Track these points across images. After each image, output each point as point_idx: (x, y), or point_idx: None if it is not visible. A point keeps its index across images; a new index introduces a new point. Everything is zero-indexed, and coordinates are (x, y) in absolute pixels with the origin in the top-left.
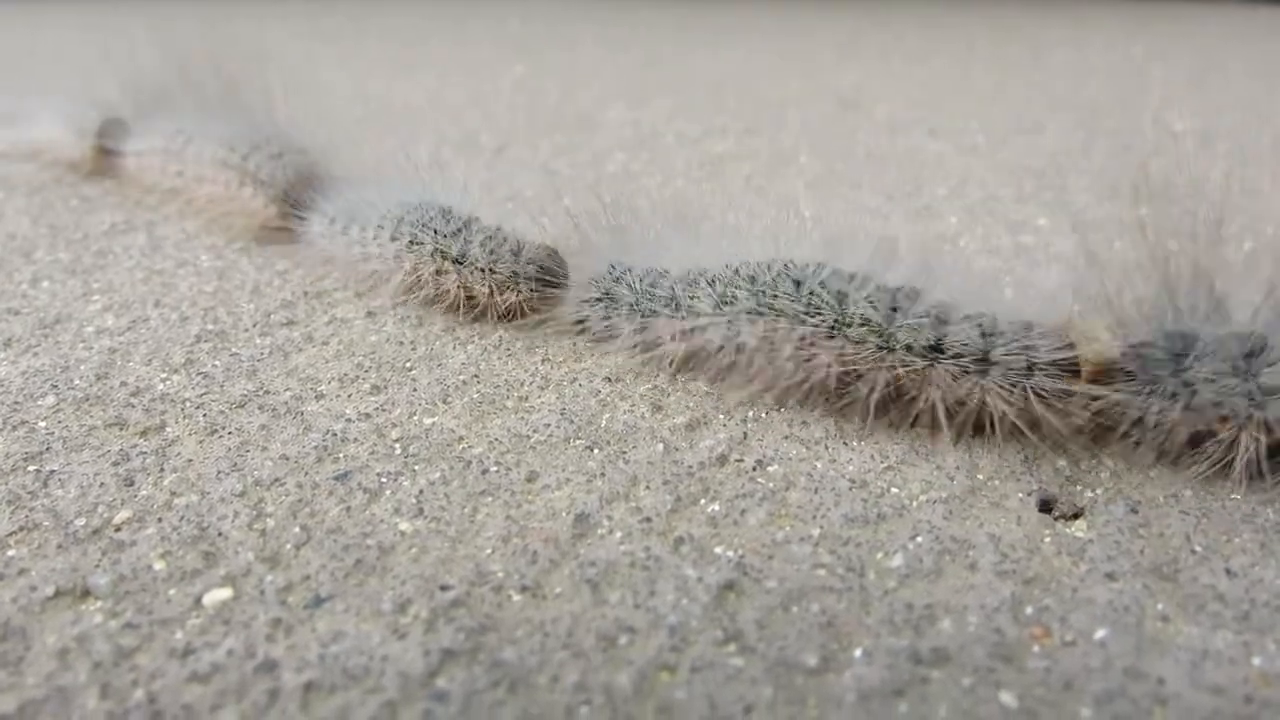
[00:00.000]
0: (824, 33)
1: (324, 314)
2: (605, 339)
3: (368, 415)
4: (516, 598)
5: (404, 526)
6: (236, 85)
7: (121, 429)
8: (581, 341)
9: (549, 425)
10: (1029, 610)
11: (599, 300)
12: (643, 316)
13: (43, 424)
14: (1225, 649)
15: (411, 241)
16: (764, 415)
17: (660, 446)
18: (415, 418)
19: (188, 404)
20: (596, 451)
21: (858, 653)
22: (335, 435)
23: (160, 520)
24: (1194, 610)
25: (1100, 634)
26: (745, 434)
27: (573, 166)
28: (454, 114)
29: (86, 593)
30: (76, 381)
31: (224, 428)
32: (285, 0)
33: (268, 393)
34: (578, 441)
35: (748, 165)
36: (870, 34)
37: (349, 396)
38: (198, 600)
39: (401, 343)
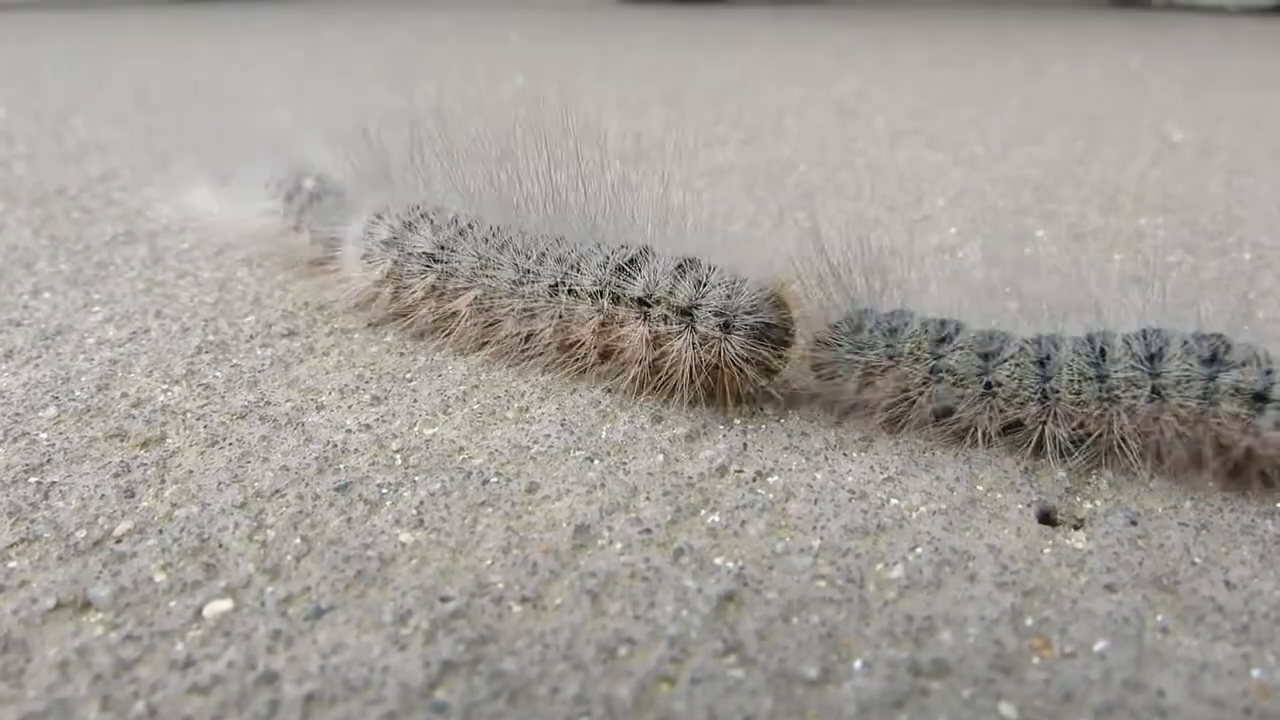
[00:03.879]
0: (823, 43)
1: (325, 325)
2: None
3: (368, 426)
4: (516, 609)
5: (404, 537)
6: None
7: (122, 440)
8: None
9: (549, 436)
10: (1029, 622)
11: None
12: None
13: (44, 435)
14: (1225, 661)
15: (1162, 389)
16: (764, 426)
17: (660, 457)
18: (416, 429)
19: (189, 415)
20: (596, 462)
21: (858, 664)
22: (336, 446)
23: (161, 532)
24: (1193, 622)
25: (1100, 646)
26: (745, 445)
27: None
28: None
29: (87, 604)
30: (77, 393)
31: (225, 439)
32: (283, 6)
33: (268, 404)
34: (578, 452)
35: (747, 175)
36: (870, 45)
37: (350, 407)
38: (198, 612)
39: (402, 354)
